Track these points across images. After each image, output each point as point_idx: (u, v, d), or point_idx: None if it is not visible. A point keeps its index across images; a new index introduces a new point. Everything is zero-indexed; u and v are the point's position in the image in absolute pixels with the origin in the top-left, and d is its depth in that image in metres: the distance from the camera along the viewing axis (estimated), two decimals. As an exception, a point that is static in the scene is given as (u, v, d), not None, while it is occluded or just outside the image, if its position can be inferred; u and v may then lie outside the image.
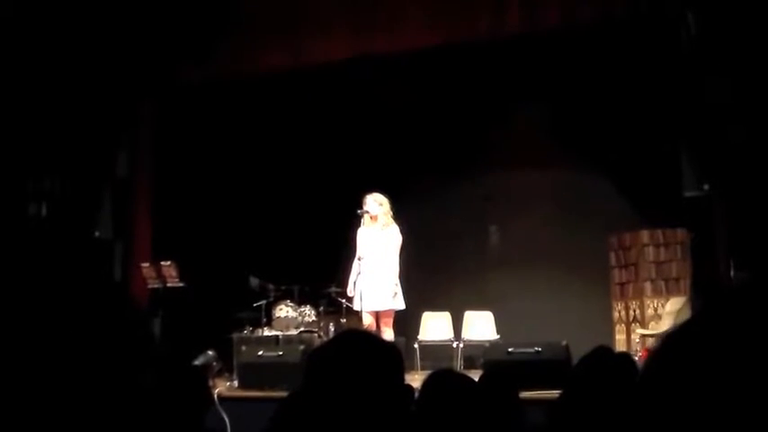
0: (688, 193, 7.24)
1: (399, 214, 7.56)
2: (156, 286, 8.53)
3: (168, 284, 8.47)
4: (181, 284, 8.41)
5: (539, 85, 9.00)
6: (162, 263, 8.49)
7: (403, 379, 1.94)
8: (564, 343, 6.37)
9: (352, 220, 7.46)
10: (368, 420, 1.78)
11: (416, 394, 2.55)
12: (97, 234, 8.76)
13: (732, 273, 6.90)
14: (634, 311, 8.63)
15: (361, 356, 1.80)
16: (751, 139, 6.71)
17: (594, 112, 8.87)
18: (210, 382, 6.52)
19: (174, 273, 8.43)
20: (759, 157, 6.68)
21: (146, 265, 8.62)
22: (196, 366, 6.28)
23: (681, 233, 8.45)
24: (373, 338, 1.94)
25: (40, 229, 8.23)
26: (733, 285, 6.57)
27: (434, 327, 8.96)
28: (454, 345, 8.73)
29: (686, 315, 7.08)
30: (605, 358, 2.88)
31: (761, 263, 6.62)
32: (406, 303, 7.37)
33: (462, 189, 9.50)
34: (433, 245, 9.11)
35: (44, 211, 8.19)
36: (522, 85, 9.03)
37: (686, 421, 1.16)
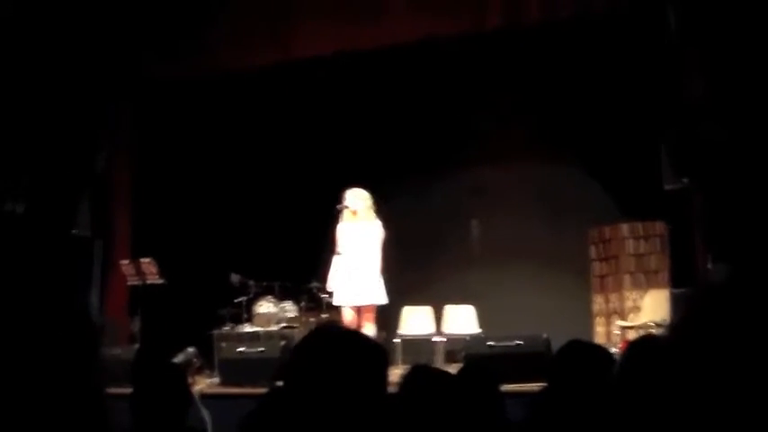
0: (667, 187, 7.28)
1: (380, 209, 7.55)
2: (135, 283, 8.49)
3: (148, 281, 8.43)
4: (161, 281, 8.38)
5: (519, 79, 9.02)
6: (142, 260, 8.45)
7: (386, 377, 1.93)
8: (544, 336, 6.39)
9: (332, 215, 7.44)
10: (348, 417, 1.78)
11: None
12: (75, 232, 8.70)
13: (710, 265, 6.96)
14: (614, 304, 8.67)
15: (344, 354, 1.78)
16: (729, 134, 6.75)
17: (575, 107, 8.90)
18: (191, 380, 6.49)
19: (153, 269, 8.40)
20: (737, 151, 6.73)
21: (125, 262, 8.58)
22: (176, 364, 6.25)
23: (660, 226, 8.49)
24: (356, 336, 1.93)
25: (16, 227, 8.16)
26: (710, 281, 6.63)
27: (415, 321, 8.94)
28: (435, 339, 8.73)
29: (665, 307, 7.16)
30: (580, 351, 2.90)
31: (738, 255, 6.67)
32: (387, 297, 7.36)
33: (443, 183, 9.50)
34: (414, 239, 9.09)
35: (20, 209, 8.12)
36: (502, 80, 9.05)
37: (664, 415, 1.16)
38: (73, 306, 1.22)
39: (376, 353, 1.83)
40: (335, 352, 1.76)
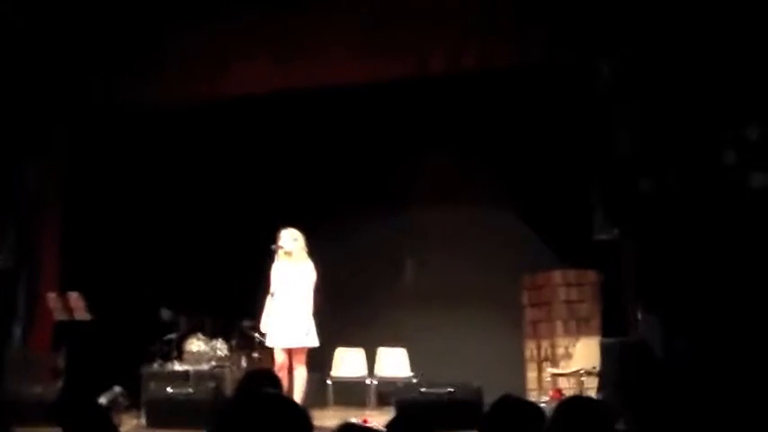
0: (598, 237, 7.42)
1: (315, 249, 7.52)
2: (62, 318, 8.26)
3: (75, 316, 8.21)
4: (88, 317, 8.16)
5: (456, 124, 9.12)
6: (69, 293, 8.24)
7: None
8: (476, 384, 6.41)
9: (267, 254, 7.39)
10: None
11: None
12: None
13: (639, 315, 7.10)
14: (546, 350, 8.75)
15: (268, 424, 1.77)
16: (659, 187, 6.93)
17: (511, 153, 9.02)
18: (116, 421, 6.32)
19: (81, 304, 8.19)
20: (666, 205, 6.90)
21: (52, 295, 8.35)
22: (102, 404, 6.10)
23: (592, 274, 8.63)
24: (282, 401, 1.91)
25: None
26: (640, 334, 6.77)
27: (348, 363, 8.94)
28: (367, 381, 8.73)
29: (596, 355, 7.24)
30: (512, 408, 2.92)
31: (667, 307, 6.83)
32: (320, 339, 7.31)
33: (378, 225, 9.50)
34: (348, 280, 9.06)
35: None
36: (438, 124, 9.14)
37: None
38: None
39: (300, 420, 1.83)
40: (261, 418, 1.76)
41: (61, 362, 8.11)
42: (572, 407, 2.82)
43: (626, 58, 7.19)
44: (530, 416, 2.94)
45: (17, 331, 8.57)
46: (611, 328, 7.72)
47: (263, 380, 3.83)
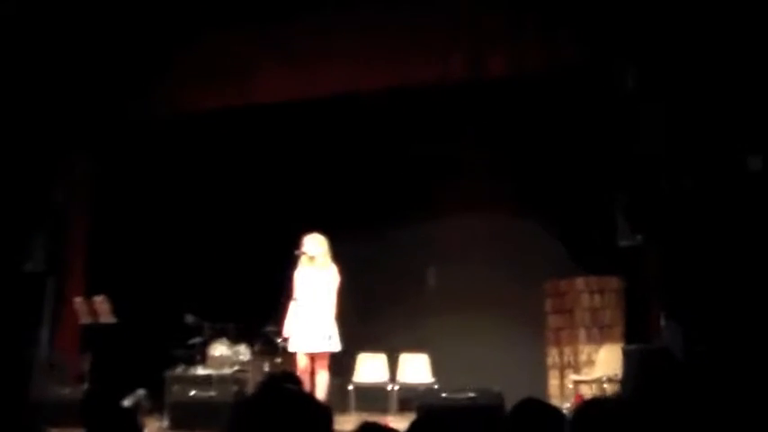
0: (622, 243, 7.39)
1: (338, 256, 7.56)
2: (88, 322, 8.36)
3: (101, 320, 8.30)
4: (114, 321, 8.25)
5: (477, 133, 9.13)
6: (95, 298, 8.34)
7: None
8: (497, 389, 6.40)
9: (290, 259, 7.43)
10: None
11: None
12: (28, 267, 8.57)
13: (662, 322, 7.06)
14: (568, 357, 8.71)
15: (290, 415, 1.79)
16: (683, 192, 6.90)
17: (533, 161, 9.03)
18: (140, 422, 6.37)
19: (106, 308, 8.28)
20: (689, 210, 6.87)
21: (78, 299, 8.45)
22: (126, 407, 6.16)
23: (615, 281, 8.60)
24: (302, 398, 1.94)
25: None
26: (662, 340, 6.73)
27: (370, 368, 8.96)
28: (389, 387, 8.74)
29: (619, 362, 7.21)
30: (533, 411, 2.93)
31: (690, 311, 6.79)
32: (343, 344, 7.34)
33: (401, 232, 9.53)
34: (371, 286, 9.10)
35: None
36: (459, 133, 9.15)
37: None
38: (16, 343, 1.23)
39: (320, 415, 1.85)
40: (282, 412, 1.77)
41: (87, 365, 8.20)
42: (592, 408, 2.83)
43: (650, 60, 7.17)
44: (551, 418, 2.95)
45: (45, 334, 8.68)
46: (635, 335, 7.67)
47: (284, 380, 3.87)
